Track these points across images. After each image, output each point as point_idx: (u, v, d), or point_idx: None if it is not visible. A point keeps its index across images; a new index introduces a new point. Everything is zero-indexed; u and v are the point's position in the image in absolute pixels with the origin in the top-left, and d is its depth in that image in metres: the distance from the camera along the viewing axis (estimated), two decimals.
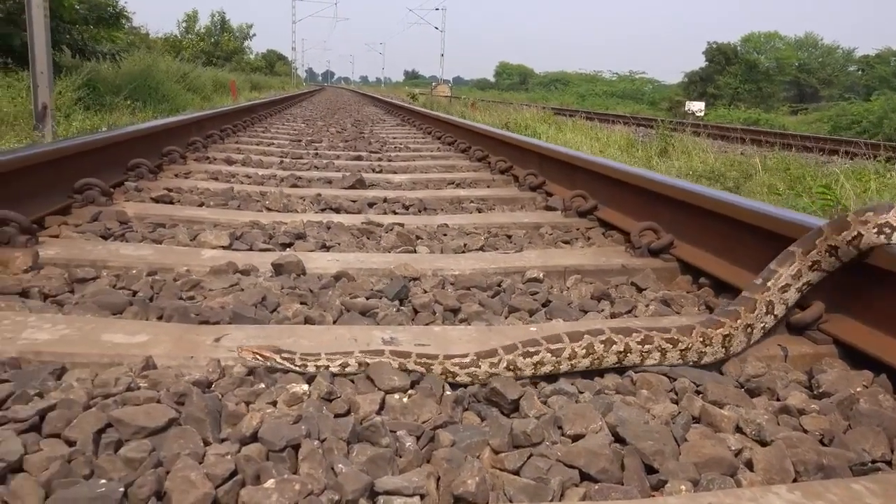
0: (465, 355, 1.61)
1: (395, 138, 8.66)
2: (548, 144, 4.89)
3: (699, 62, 60.73)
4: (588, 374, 1.70)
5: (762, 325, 1.84)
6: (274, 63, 75.27)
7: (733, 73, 55.78)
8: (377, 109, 19.04)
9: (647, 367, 1.71)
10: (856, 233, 1.82)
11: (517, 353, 1.62)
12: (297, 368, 1.59)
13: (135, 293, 2.16)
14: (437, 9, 64.98)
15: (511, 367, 1.61)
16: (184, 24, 50.77)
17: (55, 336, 1.73)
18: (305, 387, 1.48)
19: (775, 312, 1.86)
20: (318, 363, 1.59)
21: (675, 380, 1.66)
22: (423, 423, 1.41)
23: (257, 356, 1.58)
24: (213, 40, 51.22)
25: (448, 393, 1.53)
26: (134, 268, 2.40)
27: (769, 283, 1.85)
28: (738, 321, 1.78)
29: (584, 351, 1.65)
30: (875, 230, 1.80)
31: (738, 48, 58.33)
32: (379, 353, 1.62)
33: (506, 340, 1.76)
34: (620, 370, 1.72)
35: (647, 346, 1.70)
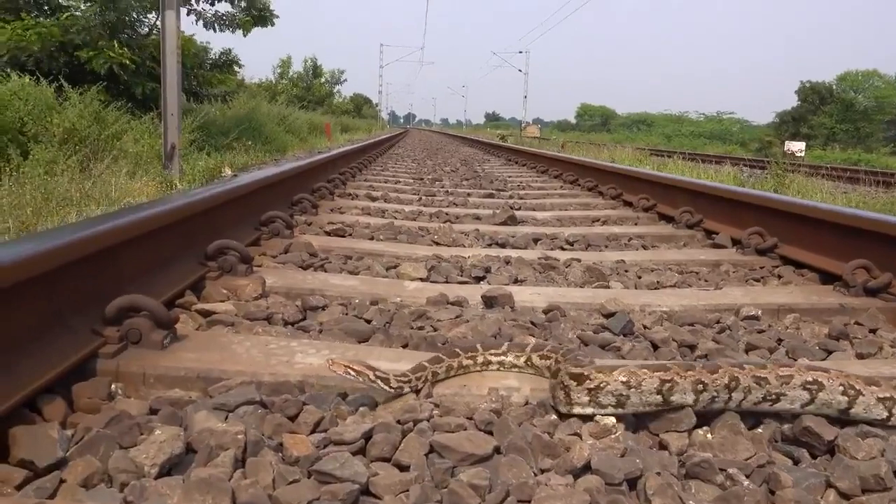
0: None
1: (510, 177, 8.68)
2: (703, 181, 4.79)
3: (790, 102, 58.95)
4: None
5: None
6: (361, 106, 77.55)
7: (829, 112, 53.90)
8: (474, 150, 19.24)
9: None
10: None
11: None
12: (391, 389, 1.57)
13: (369, 321, 2.18)
14: (520, 52, 65.70)
15: None
16: (278, 70, 53.06)
17: (325, 361, 1.75)
18: (613, 420, 1.44)
19: None
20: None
21: None
22: (746, 460, 1.35)
23: (349, 370, 1.55)
24: (305, 85, 53.24)
25: (760, 430, 1.46)
26: (352, 297, 2.44)
27: None
28: None
29: None
30: None
31: (834, 87, 56.40)
32: None
33: None
34: None
35: None
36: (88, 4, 13.67)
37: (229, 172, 10.88)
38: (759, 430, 1.48)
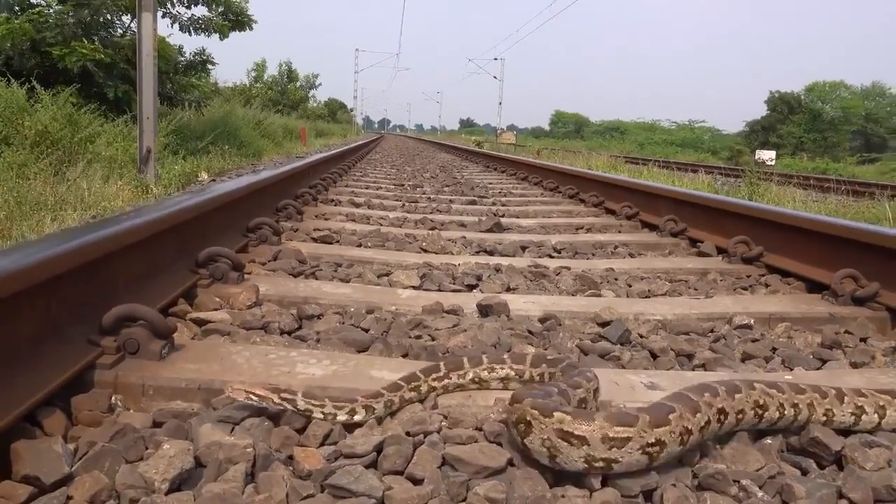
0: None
1: (490, 184, 8.70)
2: (687, 190, 4.84)
3: (760, 111, 59.92)
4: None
5: None
6: (335, 111, 77.22)
7: (797, 122, 54.88)
8: (451, 156, 19.27)
9: None
10: None
11: None
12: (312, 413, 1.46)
13: (366, 330, 2.16)
14: (495, 59, 65.98)
15: None
16: (253, 73, 52.65)
17: (328, 372, 1.73)
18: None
19: None
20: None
21: None
22: (757, 471, 1.36)
23: (251, 395, 1.44)
24: (279, 89, 52.88)
25: (768, 441, 1.47)
26: (347, 305, 2.42)
27: None
28: None
29: None
30: None
31: (802, 97, 57.46)
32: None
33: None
34: None
35: None
36: (60, 5, 13.43)
37: (206, 177, 10.76)
38: (768, 440, 1.49)
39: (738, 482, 1.30)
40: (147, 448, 1.31)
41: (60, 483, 1.18)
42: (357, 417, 1.48)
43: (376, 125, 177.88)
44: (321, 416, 1.45)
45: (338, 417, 1.46)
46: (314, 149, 22.61)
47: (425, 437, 1.41)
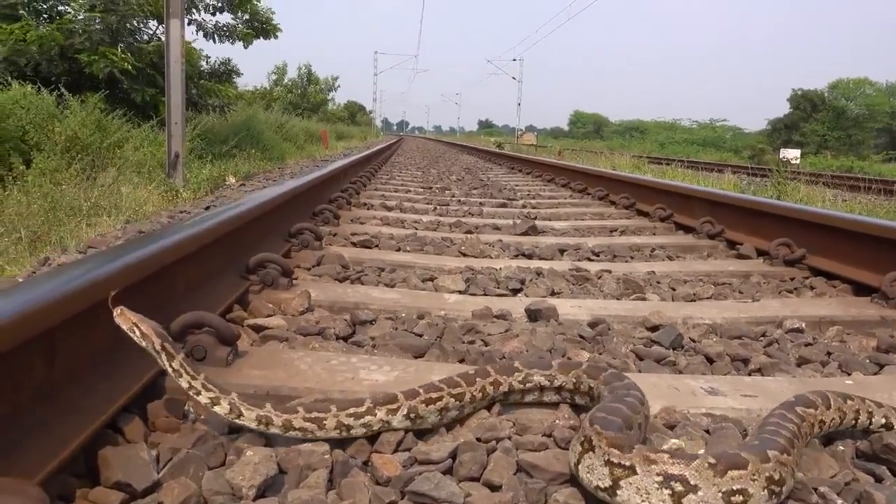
0: None
1: (517, 186, 8.70)
2: (722, 191, 4.82)
3: (782, 109, 59.27)
4: None
5: None
6: (355, 113, 77.61)
7: (821, 120, 54.29)
8: (473, 158, 19.28)
9: None
10: None
11: None
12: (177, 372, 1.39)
13: (420, 335, 2.18)
14: (514, 59, 65.92)
15: None
16: (273, 77, 53.05)
17: (391, 378, 1.75)
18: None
19: None
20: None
21: None
22: (832, 478, 1.35)
23: (134, 328, 1.39)
24: (299, 92, 53.23)
25: (840, 448, 1.47)
26: (397, 311, 2.44)
27: None
28: None
29: None
30: None
31: (826, 94, 56.81)
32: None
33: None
34: None
35: None
36: (88, 12, 13.61)
37: (233, 181, 10.86)
38: (840, 447, 1.48)
39: (817, 490, 1.29)
40: (227, 454, 1.34)
41: (150, 490, 1.20)
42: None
43: (394, 127, 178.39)
44: (186, 384, 1.40)
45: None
46: (336, 152, 22.74)
47: (497, 443, 1.42)
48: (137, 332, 1.39)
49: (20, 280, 3.15)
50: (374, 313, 2.39)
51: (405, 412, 1.44)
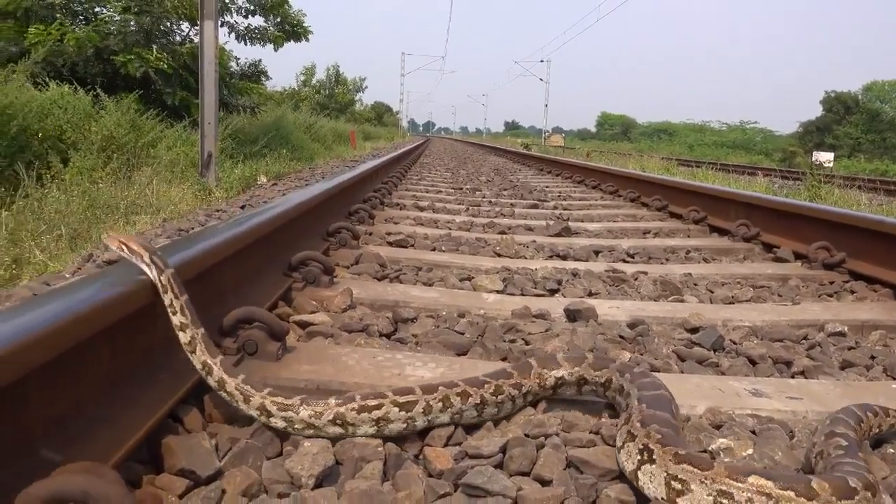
0: None
1: (547, 187, 8.69)
2: (758, 194, 4.78)
3: (814, 111, 58.39)
4: None
5: None
6: (382, 114, 77.93)
7: (854, 122, 53.36)
8: (501, 159, 19.28)
9: None
10: None
11: None
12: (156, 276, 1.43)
13: (461, 333, 2.20)
14: (541, 61, 65.75)
15: None
16: (302, 77, 53.46)
17: (436, 374, 1.78)
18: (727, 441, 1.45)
19: None
20: None
21: None
22: (884, 479, 1.35)
23: (123, 247, 1.45)
24: (327, 92, 53.58)
25: (890, 450, 1.47)
26: (438, 309, 2.47)
27: None
28: None
29: None
30: None
31: (860, 97, 55.85)
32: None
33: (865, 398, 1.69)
34: None
35: None
36: (123, 14, 13.84)
37: (264, 180, 10.98)
38: (890, 449, 1.48)
39: None
40: (284, 446, 1.37)
41: (213, 477, 1.24)
42: None
43: (420, 128, 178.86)
44: (168, 301, 1.44)
45: None
46: (364, 152, 22.88)
47: (546, 438, 1.44)
48: (126, 250, 1.45)
49: (67, 275, 3.24)
50: (416, 311, 2.42)
51: None
